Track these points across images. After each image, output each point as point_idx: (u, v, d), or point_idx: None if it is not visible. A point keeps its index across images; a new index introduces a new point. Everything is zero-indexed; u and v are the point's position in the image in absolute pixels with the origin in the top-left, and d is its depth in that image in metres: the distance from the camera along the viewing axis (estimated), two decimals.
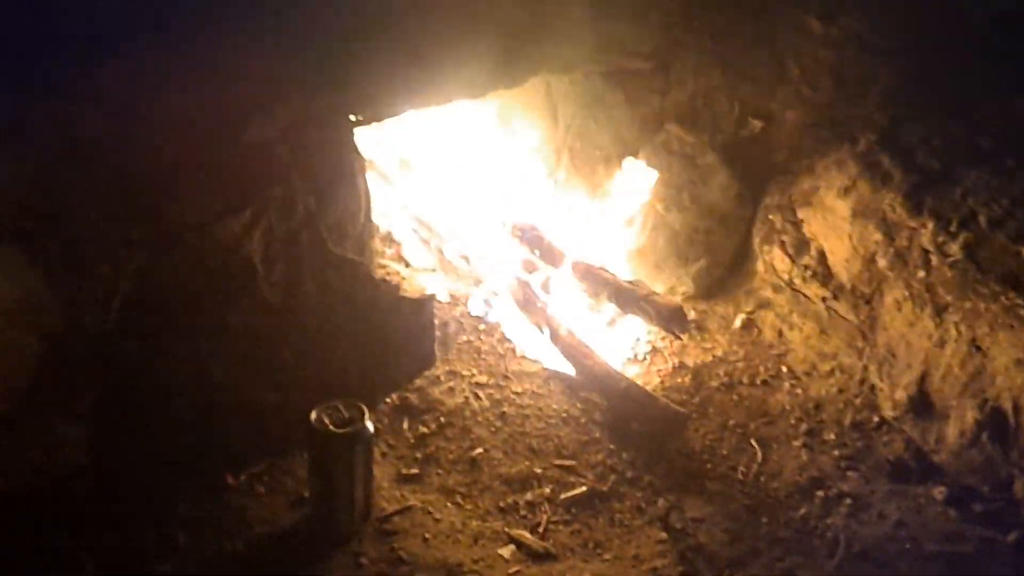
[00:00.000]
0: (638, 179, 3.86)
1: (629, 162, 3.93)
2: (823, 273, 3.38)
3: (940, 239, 2.85)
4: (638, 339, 3.67)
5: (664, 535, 2.70)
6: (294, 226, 2.80)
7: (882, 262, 3.10)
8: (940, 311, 2.87)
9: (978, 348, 2.74)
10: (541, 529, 2.73)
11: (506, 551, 2.63)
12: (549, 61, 3.39)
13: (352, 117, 3.05)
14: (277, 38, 2.77)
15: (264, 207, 2.71)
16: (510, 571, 2.56)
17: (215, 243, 2.64)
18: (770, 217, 3.61)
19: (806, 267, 3.44)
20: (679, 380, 3.41)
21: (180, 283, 2.62)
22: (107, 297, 2.48)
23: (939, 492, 2.76)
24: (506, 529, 2.72)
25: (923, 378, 2.94)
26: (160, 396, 2.64)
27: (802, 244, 3.48)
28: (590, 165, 4.12)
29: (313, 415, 2.52)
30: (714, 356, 3.52)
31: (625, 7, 3.51)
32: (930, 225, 2.89)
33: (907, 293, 2.99)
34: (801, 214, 3.47)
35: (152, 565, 2.46)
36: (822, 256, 3.39)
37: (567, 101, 4.16)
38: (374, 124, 3.21)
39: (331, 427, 2.49)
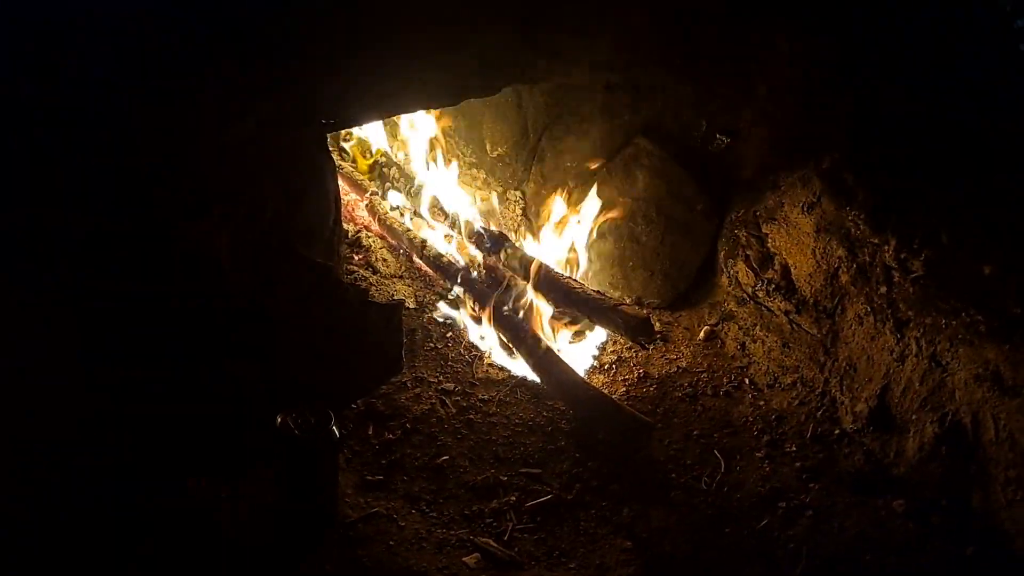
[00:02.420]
0: (607, 191, 3.89)
1: (598, 174, 3.96)
2: (786, 287, 3.43)
3: (903, 255, 2.92)
4: (604, 349, 3.69)
5: (629, 544, 2.71)
6: (263, 228, 2.77)
7: (845, 277, 3.16)
8: (901, 326, 2.93)
9: (938, 363, 2.80)
10: (506, 537, 2.72)
11: (471, 559, 2.62)
12: (523, 72, 3.39)
13: (324, 121, 3.03)
14: (248, 42, 2.74)
15: (233, 208, 2.68)
16: None
17: (182, 244, 2.59)
18: (735, 232, 3.66)
19: (770, 281, 3.50)
20: (644, 390, 3.43)
21: (144, 283, 2.57)
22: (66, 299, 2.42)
23: (899, 504, 2.80)
24: (471, 537, 2.71)
25: (883, 391, 2.99)
26: (124, 398, 2.58)
27: (766, 258, 3.54)
28: (560, 175, 4.15)
29: (279, 419, 2.49)
30: (679, 367, 3.55)
31: (593, 21, 3.54)
32: (893, 242, 2.95)
33: (869, 308, 3.05)
34: (766, 229, 3.53)
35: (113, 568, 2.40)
36: (786, 270, 3.45)
37: (539, 112, 4.19)
38: (346, 128, 3.20)
39: (296, 432, 2.46)
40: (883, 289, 3.00)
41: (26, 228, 2.34)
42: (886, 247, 2.98)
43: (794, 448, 3.12)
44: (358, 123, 3.76)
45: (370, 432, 3.08)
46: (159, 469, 2.62)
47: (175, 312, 2.59)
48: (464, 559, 2.62)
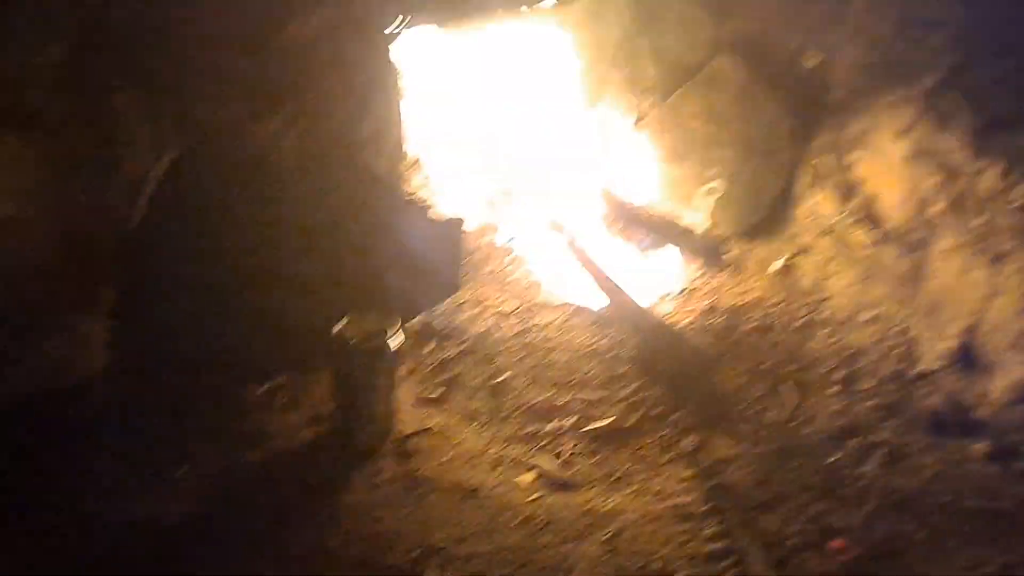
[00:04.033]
0: (686, 112, 3.70)
1: (676, 94, 3.77)
2: (871, 218, 3.23)
3: (1004, 184, 2.69)
4: (673, 276, 3.56)
5: (690, 472, 2.62)
6: (328, 133, 2.69)
7: (937, 207, 2.94)
8: (997, 260, 2.73)
9: None
10: (563, 459, 2.65)
11: (526, 478, 2.56)
12: None
13: (390, 25, 2.92)
14: None
15: (299, 111, 2.61)
16: (529, 498, 2.49)
17: (247, 145, 2.54)
18: (819, 158, 3.45)
19: (853, 212, 3.29)
20: (713, 320, 3.30)
21: (210, 184, 2.53)
22: (134, 191, 2.40)
23: (980, 448, 2.64)
24: (527, 457, 2.65)
25: (970, 330, 2.81)
26: (184, 299, 2.57)
27: (851, 188, 3.33)
28: (636, 95, 3.95)
29: (337, 327, 2.45)
30: (751, 298, 3.41)
31: None
32: (995, 169, 2.72)
33: (961, 240, 2.85)
34: (852, 156, 3.32)
35: (169, 470, 2.41)
36: (872, 200, 3.24)
37: (614, 26, 3.97)
38: (412, 32, 3.08)
39: (355, 340, 2.42)
40: (979, 220, 2.79)
41: None
42: (986, 174, 2.75)
43: (869, 386, 2.96)
44: (423, 25, 3.60)
45: (428, 350, 3.03)
46: (215, 372, 2.61)
47: (236, 215, 2.56)
48: (519, 478, 2.57)
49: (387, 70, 3.03)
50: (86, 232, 2.39)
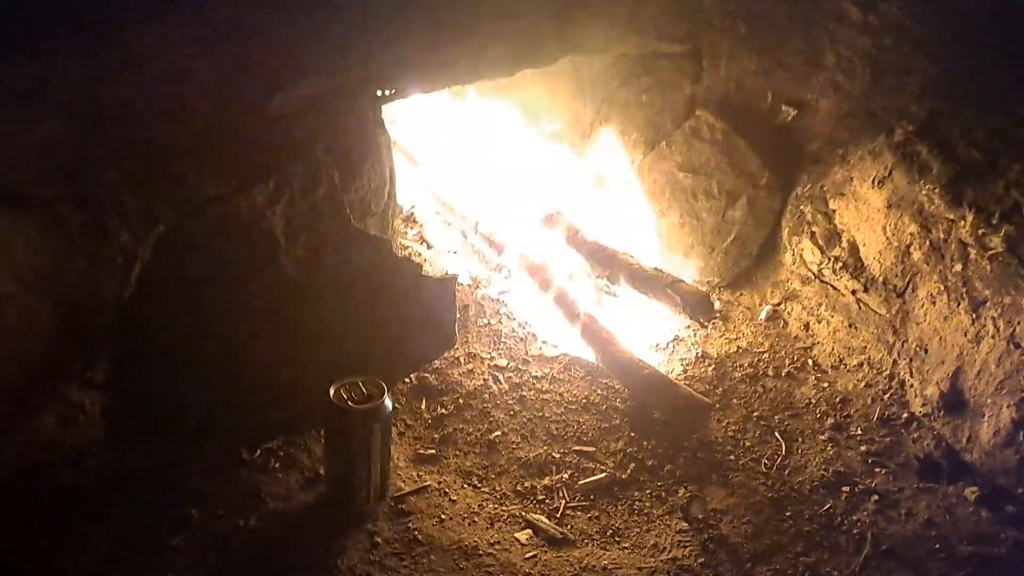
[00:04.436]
0: (667, 166, 3.79)
1: (658, 148, 3.86)
2: (854, 265, 3.30)
3: (980, 231, 2.77)
4: (661, 327, 3.61)
5: (685, 525, 2.64)
6: (317, 200, 2.75)
7: (917, 254, 3.01)
8: (977, 305, 2.79)
9: (1017, 344, 2.65)
10: (559, 515, 2.67)
11: (523, 535, 2.58)
12: (580, 42, 3.31)
13: (378, 92, 3.00)
14: (303, 14, 2.73)
15: (287, 180, 2.66)
16: (526, 555, 2.51)
17: (237, 214, 2.59)
18: (801, 207, 3.53)
19: (836, 259, 3.36)
20: (702, 370, 3.34)
21: (201, 254, 2.58)
22: (127, 265, 2.44)
23: (971, 492, 2.67)
24: (523, 513, 2.67)
25: (956, 374, 2.86)
26: (177, 368, 2.60)
27: (833, 235, 3.40)
28: (621, 147, 4.05)
29: (332, 390, 2.48)
30: (739, 347, 3.45)
31: None
32: (970, 217, 2.80)
33: (942, 286, 2.91)
34: (833, 205, 3.40)
35: (165, 540, 2.42)
36: (853, 248, 3.31)
37: (596, 85, 4.09)
38: (400, 100, 3.16)
39: (350, 403, 2.45)
40: (958, 267, 2.86)
41: None
42: (962, 222, 2.83)
43: (859, 431, 3.00)
44: (413, 94, 3.72)
45: (423, 406, 3.06)
46: (210, 438, 2.64)
47: (227, 283, 2.60)
48: (516, 535, 2.58)
49: (376, 132, 3.10)
50: (79, 304, 2.43)
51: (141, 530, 2.42)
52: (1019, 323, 2.65)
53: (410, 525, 2.57)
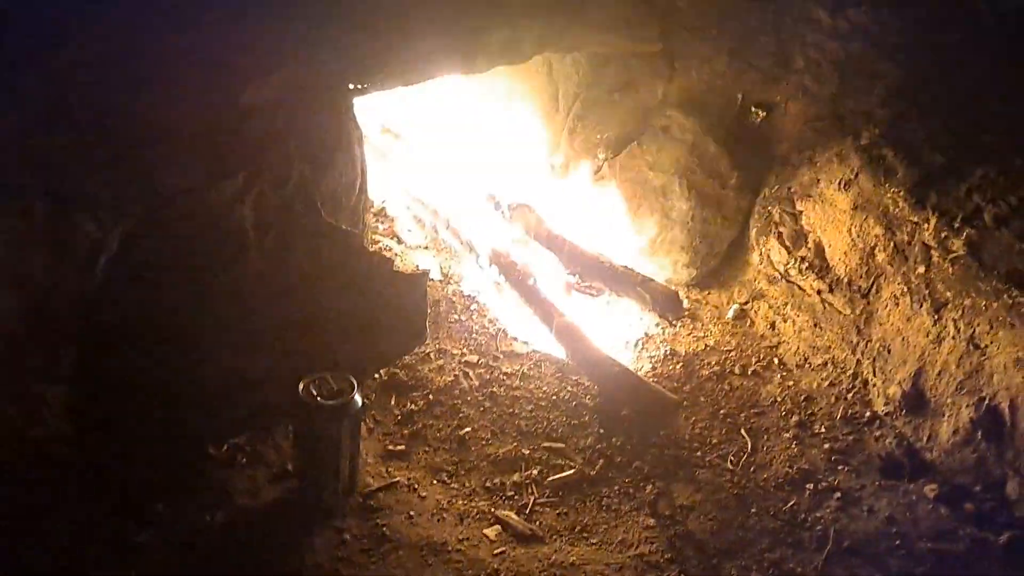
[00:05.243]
0: (637, 165, 3.82)
1: (629, 147, 3.89)
2: (820, 266, 3.35)
3: (943, 234, 2.83)
4: (630, 325, 3.64)
5: (652, 521, 2.67)
6: (288, 194, 2.73)
7: (881, 256, 3.07)
8: (939, 307, 2.85)
9: (976, 346, 2.72)
10: (528, 511, 2.69)
11: (491, 531, 2.59)
12: (555, 40, 3.32)
13: (351, 86, 2.98)
14: (276, 5, 2.71)
15: (258, 173, 2.64)
16: (495, 551, 2.52)
17: (207, 208, 2.56)
18: (769, 208, 3.58)
19: (803, 259, 3.41)
20: (671, 368, 3.37)
21: (169, 246, 2.55)
22: (93, 256, 2.40)
23: (931, 489, 2.73)
24: (492, 509, 2.68)
25: (918, 374, 2.92)
26: (143, 361, 2.57)
27: (799, 236, 3.45)
28: (590, 148, 4.07)
29: (301, 386, 2.46)
30: (706, 345, 3.49)
31: None
32: (933, 220, 2.86)
33: (905, 288, 2.97)
34: (800, 206, 3.44)
35: (130, 535, 2.39)
36: (819, 249, 3.36)
37: (569, 83, 4.11)
38: (373, 93, 3.14)
39: (319, 399, 2.44)
40: (921, 269, 2.92)
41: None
42: (926, 225, 2.89)
43: (823, 430, 3.05)
44: (385, 88, 3.70)
45: (392, 402, 3.06)
46: (176, 432, 2.61)
47: (195, 276, 2.58)
48: (484, 531, 2.59)
49: (348, 126, 3.08)
50: (44, 295, 2.39)
51: (106, 524, 2.39)
52: (979, 325, 2.72)
53: (379, 521, 2.57)
